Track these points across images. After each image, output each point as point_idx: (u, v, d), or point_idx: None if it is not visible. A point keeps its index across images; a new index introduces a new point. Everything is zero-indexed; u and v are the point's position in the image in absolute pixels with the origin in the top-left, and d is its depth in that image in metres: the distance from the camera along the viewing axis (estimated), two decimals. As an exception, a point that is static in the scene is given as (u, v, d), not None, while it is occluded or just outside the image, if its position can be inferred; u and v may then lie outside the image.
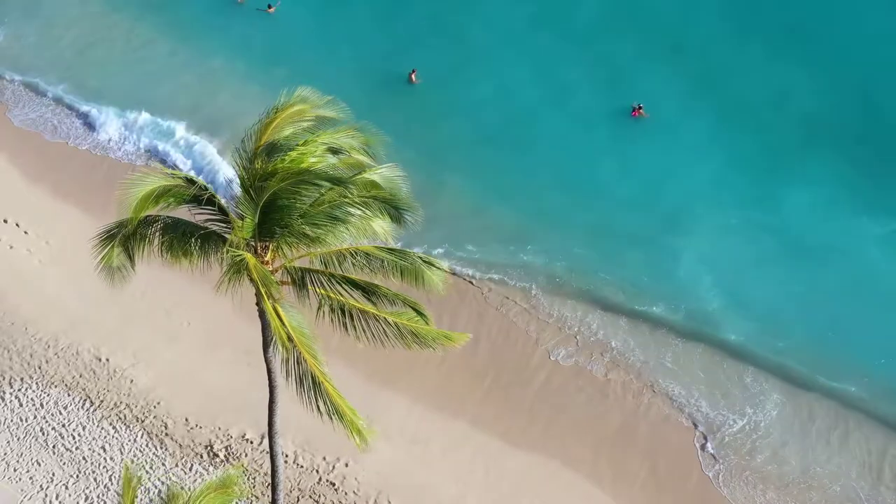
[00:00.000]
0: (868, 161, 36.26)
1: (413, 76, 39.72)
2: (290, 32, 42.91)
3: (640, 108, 37.95)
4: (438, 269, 17.92)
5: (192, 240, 17.36)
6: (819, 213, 34.69)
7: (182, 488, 23.31)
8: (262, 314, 17.62)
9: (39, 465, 26.46)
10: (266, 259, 17.26)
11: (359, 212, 16.96)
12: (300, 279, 17.08)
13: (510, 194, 35.72)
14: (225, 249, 16.60)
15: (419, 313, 17.71)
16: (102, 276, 17.95)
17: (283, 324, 16.28)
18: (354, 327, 17.18)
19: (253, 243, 17.01)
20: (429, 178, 34.24)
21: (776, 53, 40.66)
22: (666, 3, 43.64)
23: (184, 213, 18.04)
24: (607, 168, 36.64)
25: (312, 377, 16.29)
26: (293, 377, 16.58)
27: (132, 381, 28.71)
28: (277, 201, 16.54)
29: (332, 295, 17.09)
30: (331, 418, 16.74)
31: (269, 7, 43.61)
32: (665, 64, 40.51)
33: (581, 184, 36.09)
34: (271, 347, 18.13)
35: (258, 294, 16.95)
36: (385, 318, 17.07)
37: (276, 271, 17.38)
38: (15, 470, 26.24)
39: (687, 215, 34.84)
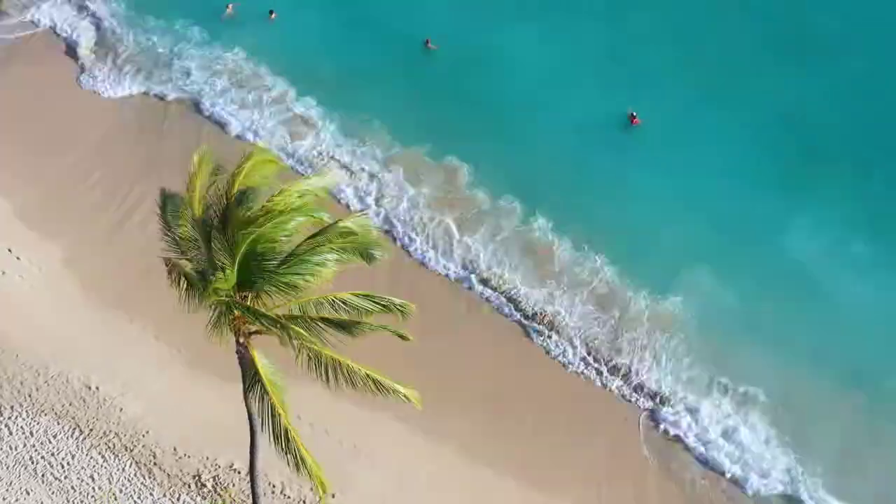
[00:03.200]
0: (874, 179, 36.48)
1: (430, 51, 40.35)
2: (292, 38, 43.33)
3: (634, 115, 38.46)
4: (408, 307, 19.27)
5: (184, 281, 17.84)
6: (818, 230, 34.70)
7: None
8: (241, 360, 17.86)
9: (28, 494, 26.60)
10: (246, 308, 17.54)
11: (335, 256, 17.52)
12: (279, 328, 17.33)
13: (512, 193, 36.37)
14: (208, 299, 16.86)
15: (401, 336, 18.84)
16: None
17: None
18: (330, 375, 17.58)
19: (232, 294, 17.25)
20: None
21: (780, 64, 40.90)
22: (674, 11, 44.02)
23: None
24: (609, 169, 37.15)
25: (284, 431, 16.63)
26: (268, 428, 16.95)
27: (121, 409, 28.85)
28: (256, 248, 16.83)
29: (309, 344, 17.40)
30: (297, 469, 17.15)
31: (271, 13, 44.05)
32: (668, 72, 40.87)
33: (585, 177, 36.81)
34: (251, 392, 18.33)
35: (240, 344, 17.24)
36: (358, 368, 17.53)
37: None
38: (4, 499, 26.36)
39: (682, 230, 35.00)
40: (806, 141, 37.79)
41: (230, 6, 44.38)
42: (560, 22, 43.42)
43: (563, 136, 38.26)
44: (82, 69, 42.01)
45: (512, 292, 33.10)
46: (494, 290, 33.19)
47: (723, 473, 28.32)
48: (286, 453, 17.07)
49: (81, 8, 45.20)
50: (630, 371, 30.80)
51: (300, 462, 17.06)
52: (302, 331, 17.08)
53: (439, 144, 37.99)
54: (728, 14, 43.56)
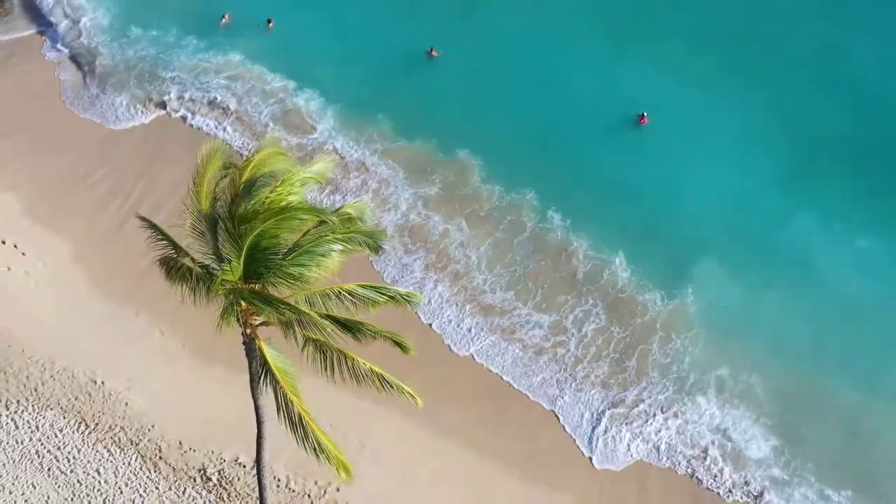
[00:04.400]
0: (879, 178, 36.56)
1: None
2: (291, 45, 43.38)
3: (643, 115, 38.60)
4: (415, 296, 19.50)
5: (189, 276, 17.93)
6: (824, 228, 34.91)
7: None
8: (248, 353, 17.99)
9: (34, 487, 26.78)
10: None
11: (340, 247, 17.65)
12: (286, 320, 17.44)
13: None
14: (215, 291, 16.99)
15: (400, 345, 18.62)
16: None
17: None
18: (335, 368, 17.65)
19: (240, 285, 17.37)
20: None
21: (784, 64, 41.12)
22: (681, 13, 44.19)
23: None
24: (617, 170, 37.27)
25: (299, 417, 16.71)
26: (283, 415, 17.04)
27: (127, 403, 29.02)
28: (262, 241, 16.97)
29: (316, 336, 17.47)
30: (316, 455, 17.18)
31: (269, 22, 44.20)
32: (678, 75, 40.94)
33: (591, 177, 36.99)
34: (258, 385, 18.48)
35: (247, 335, 17.35)
36: (363, 363, 17.57)
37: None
38: (10, 493, 26.55)
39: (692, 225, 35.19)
40: (812, 140, 37.97)
41: (226, 15, 44.47)
42: (565, 23, 43.65)
43: (568, 137, 38.48)
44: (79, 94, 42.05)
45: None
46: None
47: (722, 474, 28.41)
48: (304, 439, 17.02)
49: (78, 16, 45.38)
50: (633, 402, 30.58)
51: (318, 447, 17.03)
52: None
53: (447, 144, 38.10)
54: (734, 15, 43.76)
